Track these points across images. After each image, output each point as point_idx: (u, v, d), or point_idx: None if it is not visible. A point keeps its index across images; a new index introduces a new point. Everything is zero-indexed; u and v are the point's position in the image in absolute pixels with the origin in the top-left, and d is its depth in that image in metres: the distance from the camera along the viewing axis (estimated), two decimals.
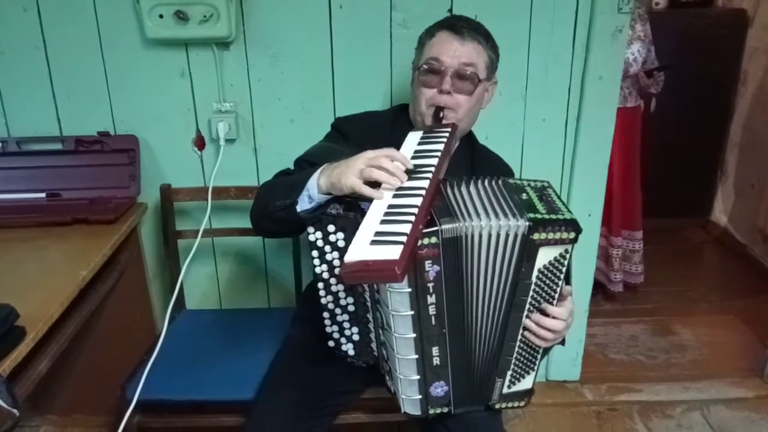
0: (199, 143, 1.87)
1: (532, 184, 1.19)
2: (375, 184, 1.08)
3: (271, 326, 1.77)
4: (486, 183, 1.19)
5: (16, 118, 1.84)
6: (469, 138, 1.52)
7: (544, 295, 1.15)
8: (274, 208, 1.20)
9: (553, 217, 1.07)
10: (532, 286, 1.12)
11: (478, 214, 1.08)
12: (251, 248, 2.01)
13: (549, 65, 1.83)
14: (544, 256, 1.09)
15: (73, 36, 1.76)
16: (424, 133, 1.29)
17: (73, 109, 1.83)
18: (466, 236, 1.08)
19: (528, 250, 1.08)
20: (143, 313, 1.96)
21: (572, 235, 1.08)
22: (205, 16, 1.66)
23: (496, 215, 1.08)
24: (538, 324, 1.17)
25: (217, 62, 1.78)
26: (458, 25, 1.38)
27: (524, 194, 1.14)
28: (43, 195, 1.81)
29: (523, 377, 1.24)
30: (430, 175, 1.09)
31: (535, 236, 1.06)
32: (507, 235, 1.07)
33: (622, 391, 2.24)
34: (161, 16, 1.66)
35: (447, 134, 1.25)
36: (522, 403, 1.28)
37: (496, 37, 1.44)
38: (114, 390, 1.54)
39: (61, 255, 1.53)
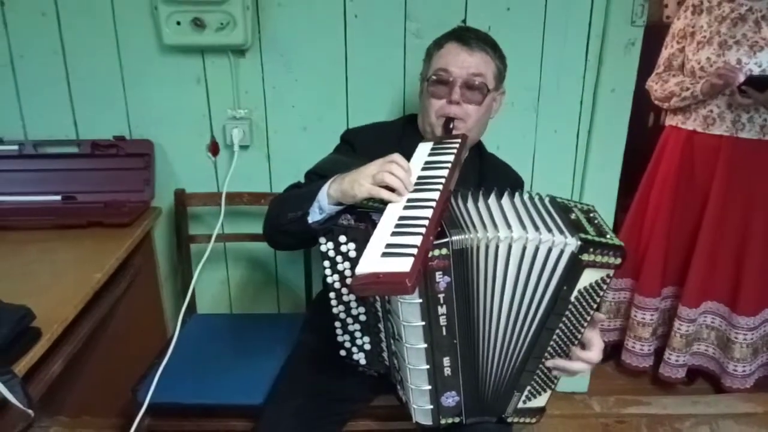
0: (214, 149, 1.89)
1: (579, 206, 1.18)
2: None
3: (281, 331, 1.78)
4: (527, 198, 1.17)
5: (34, 121, 1.86)
6: (478, 148, 1.53)
7: (577, 316, 1.13)
8: (286, 221, 1.20)
9: (603, 240, 1.05)
10: (569, 306, 1.11)
11: (509, 227, 1.07)
12: (263, 254, 2.03)
13: (561, 77, 1.83)
14: (587, 278, 1.08)
15: (91, 41, 1.78)
16: (434, 144, 1.29)
17: (90, 113, 1.85)
18: (478, 248, 1.07)
19: (574, 269, 1.07)
20: (155, 317, 1.97)
21: (618, 261, 1.06)
22: (221, 24, 1.68)
23: (536, 229, 1.06)
24: (559, 367, 1.19)
25: (232, 69, 1.79)
26: (466, 36, 1.39)
27: (573, 214, 1.13)
28: (58, 198, 1.83)
29: (540, 394, 1.24)
30: (440, 187, 1.09)
31: (584, 257, 1.05)
32: (549, 250, 1.06)
33: (630, 404, 2.23)
34: (179, 23, 1.68)
35: (457, 145, 1.26)
36: (533, 420, 1.29)
37: (509, 48, 1.45)
38: (125, 393, 1.55)
39: (75, 257, 1.54)
